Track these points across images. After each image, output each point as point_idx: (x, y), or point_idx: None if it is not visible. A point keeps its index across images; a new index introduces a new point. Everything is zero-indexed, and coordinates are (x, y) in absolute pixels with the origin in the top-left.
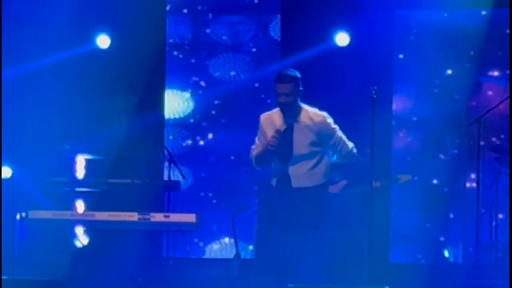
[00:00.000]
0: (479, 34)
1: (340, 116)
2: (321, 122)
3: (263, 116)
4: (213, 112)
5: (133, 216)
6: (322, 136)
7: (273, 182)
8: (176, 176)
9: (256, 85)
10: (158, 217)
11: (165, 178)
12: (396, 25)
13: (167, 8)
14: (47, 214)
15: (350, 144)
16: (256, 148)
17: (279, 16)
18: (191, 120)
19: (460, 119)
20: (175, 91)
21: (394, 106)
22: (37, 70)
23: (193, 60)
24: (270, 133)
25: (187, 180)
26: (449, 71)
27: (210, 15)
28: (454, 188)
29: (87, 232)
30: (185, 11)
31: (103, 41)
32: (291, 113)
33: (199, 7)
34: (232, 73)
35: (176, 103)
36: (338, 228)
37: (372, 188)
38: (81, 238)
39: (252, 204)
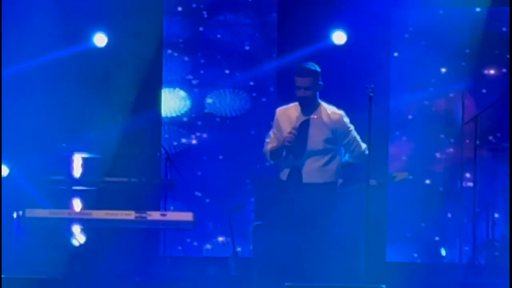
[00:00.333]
0: (474, 33)
1: None
2: (338, 120)
3: (279, 111)
4: (208, 110)
5: (130, 215)
6: (338, 134)
7: (283, 175)
8: (172, 174)
9: (251, 83)
10: (155, 215)
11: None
12: (392, 24)
13: (164, 6)
14: (44, 213)
15: (363, 145)
16: (270, 142)
17: (275, 14)
18: (185, 119)
19: (456, 117)
20: (171, 89)
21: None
22: (34, 69)
23: (187, 59)
24: (286, 127)
25: (183, 179)
26: (444, 70)
27: (206, 13)
28: (450, 187)
29: (84, 230)
30: (180, 9)
31: (100, 39)
32: (309, 108)
33: (195, 6)
34: (227, 71)
35: (172, 102)
36: (335, 227)
37: (369, 186)
38: (78, 237)
39: (249, 204)
